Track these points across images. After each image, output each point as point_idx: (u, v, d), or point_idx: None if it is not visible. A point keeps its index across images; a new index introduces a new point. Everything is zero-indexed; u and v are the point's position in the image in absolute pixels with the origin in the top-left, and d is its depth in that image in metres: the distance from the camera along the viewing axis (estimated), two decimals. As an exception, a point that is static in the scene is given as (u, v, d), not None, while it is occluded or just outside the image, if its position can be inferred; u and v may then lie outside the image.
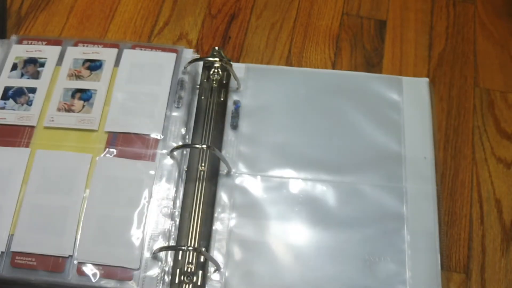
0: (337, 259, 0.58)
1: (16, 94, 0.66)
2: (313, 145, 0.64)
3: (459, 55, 0.75)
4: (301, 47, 0.75)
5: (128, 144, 0.63)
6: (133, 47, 0.70)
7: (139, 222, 0.58)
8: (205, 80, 0.68)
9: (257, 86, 0.69)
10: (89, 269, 0.56)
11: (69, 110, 0.65)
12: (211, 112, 0.66)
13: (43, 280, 0.56)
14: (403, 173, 0.63)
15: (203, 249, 0.57)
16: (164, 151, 0.62)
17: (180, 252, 0.57)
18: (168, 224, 0.58)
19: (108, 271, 0.56)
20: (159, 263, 0.56)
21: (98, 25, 0.76)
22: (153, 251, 0.56)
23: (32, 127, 0.64)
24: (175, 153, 0.62)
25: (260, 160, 0.63)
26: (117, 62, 0.68)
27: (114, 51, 0.69)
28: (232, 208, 0.61)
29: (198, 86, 0.68)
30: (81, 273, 0.56)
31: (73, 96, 0.66)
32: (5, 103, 0.65)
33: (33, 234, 0.57)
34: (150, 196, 0.59)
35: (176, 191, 0.60)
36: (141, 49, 0.69)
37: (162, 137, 0.63)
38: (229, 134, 0.65)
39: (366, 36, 0.76)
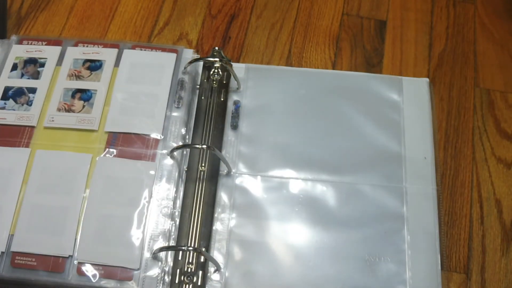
0: (337, 259, 0.58)
1: (16, 94, 0.66)
2: (313, 145, 0.64)
3: (459, 55, 0.75)
4: (301, 47, 0.75)
5: (128, 144, 0.63)
6: (133, 47, 0.70)
7: (139, 222, 0.58)
8: (205, 80, 0.68)
9: (257, 86, 0.69)
10: (89, 269, 0.56)
11: (69, 110, 0.65)
12: (211, 112, 0.66)
13: (43, 280, 0.56)
14: (403, 173, 0.63)
15: (203, 249, 0.57)
16: (164, 151, 0.62)
17: (180, 252, 0.57)
18: (168, 224, 0.58)
19: (108, 271, 0.56)
20: (159, 263, 0.56)
21: (98, 25, 0.76)
22: (153, 251, 0.56)
23: (32, 127, 0.64)
24: (175, 153, 0.62)
25: (260, 160, 0.63)
26: (117, 62, 0.68)
27: (114, 51, 0.69)
28: (232, 208, 0.61)
29: (198, 86, 0.68)
30: (81, 273, 0.56)
31: (73, 96, 0.66)
32: (5, 103, 0.65)
33: (33, 234, 0.57)
34: (150, 196, 0.59)
35: (176, 191, 0.60)
36: (141, 49, 0.69)
37: (162, 137, 0.63)
38: (229, 134, 0.65)
39: (366, 36, 0.76)
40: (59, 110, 0.65)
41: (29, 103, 0.65)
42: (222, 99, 0.67)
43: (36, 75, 0.67)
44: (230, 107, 0.67)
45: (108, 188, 0.60)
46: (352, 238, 0.59)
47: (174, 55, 0.69)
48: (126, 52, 0.69)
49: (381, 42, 0.76)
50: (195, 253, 0.57)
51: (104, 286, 0.55)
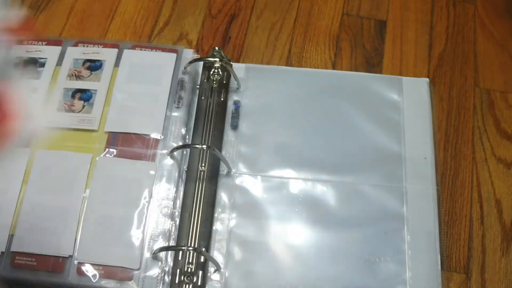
0: (337, 259, 0.58)
1: (16, 94, 0.66)
2: (313, 145, 0.64)
3: (459, 55, 0.75)
4: (301, 47, 0.75)
5: (128, 144, 0.63)
6: (133, 47, 0.70)
7: (139, 222, 0.58)
8: (205, 80, 0.68)
9: (257, 86, 0.69)
10: (89, 269, 0.56)
11: (69, 110, 0.65)
12: (211, 112, 0.66)
13: (43, 280, 0.56)
14: (403, 173, 0.63)
15: (203, 249, 0.57)
16: (164, 151, 0.62)
17: (180, 252, 0.57)
18: (168, 224, 0.58)
19: (108, 271, 0.56)
20: (159, 263, 0.56)
21: (98, 25, 0.76)
22: (153, 251, 0.56)
23: (32, 127, 0.64)
24: (175, 153, 0.62)
25: (260, 160, 0.63)
26: (117, 62, 0.68)
27: (114, 51, 0.69)
28: (232, 208, 0.61)
29: (198, 86, 0.68)
30: (81, 273, 0.56)
31: (73, 96, 0.66)
32: (5, 103, 0.65)
33: (33, 234, 0.57)
34: (150, 196, 0.59)
35: (176, 191, 0.60)
36: (141, 49, 0.69)
37: (162, 137, 0.63)
38: (229, 134, 0.65)
39: (366, 36, 0.76)
40: (59, 110, 0.65)
41: (29, 103, 0.65)
42: (222, 99, 0.67)
43: (36, 75, 0.67)
44: (230, 107, 0.67)
45: (108, 188, 0.60)
46: (352, 238, 0.59)
47: (174, 55, 0.69)
48: (126, 52, 0.69)
49: (381, 42, 0.76)
50: (195, 253, 0.57)
51: (104, 286, 0.55)
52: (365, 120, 0.66)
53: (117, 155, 0.62)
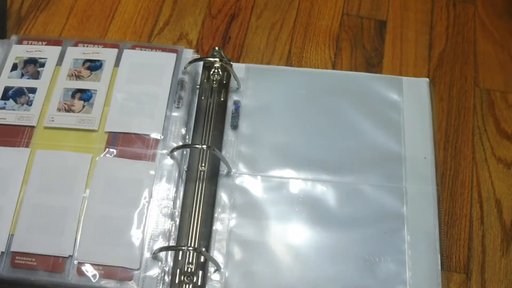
0: (337, 259, 0.58)
1: (16, 94, 0.66)
2: (313, 145, 0.64)
3: (459, 55, 0.75)
4: (301, 47, 0.75)
5: (128, 144, 0.63)
6: (133, 47, 0.70)
7: (139, 222, 0.58)
8: (205, 80, 0.68)
9: (257, 86, 0.69)
10: (89, 269, 0.56)
11: (69, 110, 0.65)
12: (211, 112, 0.66)
13: (43, 280, 0.56)
14: (403, 173, 0.63)
15: (203, 249, 0.57)
16: (164, 151, 0.62)
17: (180, 252, 0.57)
18: (168, 224, 0.58)
19: (108, 271, 0.56)
20: (159, 263, 0.56)
21: (98, 25, 0.76)
22: (153, 251, 0.56)
23: (32, 127, 0.64)
24: (175, 153, 0.62)
25: (260, 160, 0.63)
26: (117, 62, 0.68)
27: (114, 51, 0.69)
28: (232, 208, 0.61)
29: (198, 86, 0.68)
30: (81, 273, 0.56)
31: (73, 96, 0.66)
32: (5, 103, 0.65)
33: (33, 234, 0.57)
34: (150, 196, 0.59)
35: (176, 191, 0.60)
36: (141, 49, 0.69)
37: (162, 137, 0.63)
38: (229, 134, 0.65)
39: (366, 36, 0.76)
40: (59, 110, 0.65)
41: (29, 103, 0.65)
42: (222, 99, 0.67)
43: (36, 75, 0.67)
44: (230, 107, 0.67)
45: (108, 188, 0.60)
46: (352, 238, 0.59)
47: (174, 55, 0.69)
48: (126, 52, 0.69)
49: (381, 42, 0.76)
50: (195, 253, 0.57)
51: (104, 286, 0.55)
52: (365, 120, 0.66)
53: (117, 155, 0.62)
